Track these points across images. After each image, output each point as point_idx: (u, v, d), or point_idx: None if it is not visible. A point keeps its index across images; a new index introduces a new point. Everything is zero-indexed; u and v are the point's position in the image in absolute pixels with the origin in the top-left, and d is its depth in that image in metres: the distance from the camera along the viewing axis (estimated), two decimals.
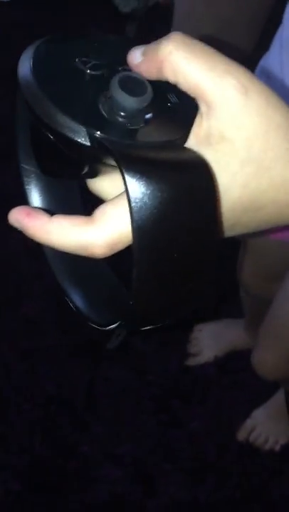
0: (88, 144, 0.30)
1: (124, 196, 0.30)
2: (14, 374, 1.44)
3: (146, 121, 0.32)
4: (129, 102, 0.31)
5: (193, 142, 0.32)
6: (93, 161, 0.33)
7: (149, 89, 0.32)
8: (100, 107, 0.31)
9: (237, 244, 1.14)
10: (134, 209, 0.29)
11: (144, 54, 0.32)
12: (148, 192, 0.29)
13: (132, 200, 0.29)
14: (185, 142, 0.33)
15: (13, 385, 1.42)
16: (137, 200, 0.29)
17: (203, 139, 0.32)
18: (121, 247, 0.31)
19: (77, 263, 0.39)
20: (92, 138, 0.30)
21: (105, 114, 0.31)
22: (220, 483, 1.32)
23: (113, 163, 0.30)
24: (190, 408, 1.41)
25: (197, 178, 0.30)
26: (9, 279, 1.59)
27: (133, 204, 0.29)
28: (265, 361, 1.00)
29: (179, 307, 0.34)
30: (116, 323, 0.34)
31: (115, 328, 0.34)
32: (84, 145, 0.30)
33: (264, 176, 0.32)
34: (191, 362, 1.47)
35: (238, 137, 0.31)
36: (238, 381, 1.45)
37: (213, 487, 1.31)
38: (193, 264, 0.32)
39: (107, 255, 0.31)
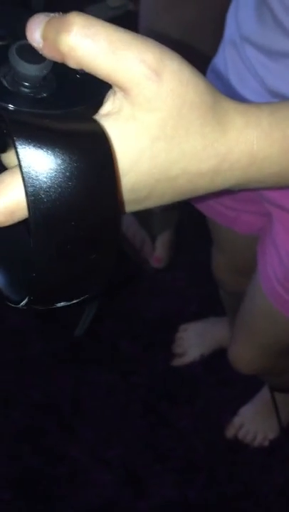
0: None
1: (13, 170, 0.30)
2: (0, 384, 1.44)
3: (51, 91, 0.32)
4: (27, 69, 0.31)
5: (103, 115, 0.32)
6: None
7: None
8: (2, 77, 0.31)
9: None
10: (26, 175, 0.29)
11: (44, 38, 0.31)
12: (39, 158, 0.29)
13: (23, 166, 0.28)
14: (93, 114, 0.32)
15: (0, 395, 1.42)
16: (28, 167, 0.28)
17: (113, 114, 0.32)
18: (21, 215, 0.30)
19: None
20: None
21: (7, 85, 0.31)
22: (210, 481, 1.32)
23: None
24: (178, 408, 1.41)
25: (95, 147, 0.30)
26: None
27: (24, 170, 0.29)
28: (240, 355, 1.00)
29: (83, 281, 0.33)
30: (24, 299, 0.33)
31: (26, 305, 0.34)
32: None
33: (175, 149, 0.32)
34: (177, 362, 1.47)
35: (149, 119, 0.32)
36: (225, 379, 1.45)
37: (203, 485, 1.31)
38: (92, 234, 0.31)
39: (8, 223, 0.31)
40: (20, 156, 0.28)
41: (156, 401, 1.42)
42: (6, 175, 0.31)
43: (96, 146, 0.30)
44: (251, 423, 1.36)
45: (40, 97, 0.31)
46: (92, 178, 0.30)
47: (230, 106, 0.34)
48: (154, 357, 1.49)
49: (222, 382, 1.45)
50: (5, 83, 0.31)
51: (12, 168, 0.31)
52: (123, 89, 0.31)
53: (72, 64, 0.31)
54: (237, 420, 1.37)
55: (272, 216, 0.83)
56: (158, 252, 1.60)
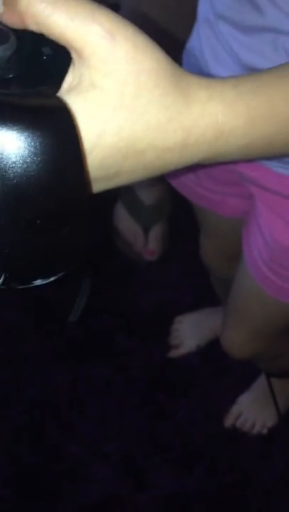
0: None
1: None
2: None
3: (17, 72, 0.32)
4: None
5: (64, 91, 0.32)
6: None
7: (12, 37, 0.32)
8: None
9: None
10: None
11: (4, 3, 0.32)
12: (3, 135, 0.29)
13: None
14: (56, 92, 0.33)
15: None
16: None
17: (74, 87, 0.32)
18: None
19: None
20: None
21: None
22: (210, 471, 1.31)
23: None
24: (175, 399, 1.41)
25: (58, 122, 0.30)
26: None
27: None
28: (232, 339, 1.00)
29: (57, 256, 0.33)
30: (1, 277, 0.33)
31: (3, 284, 0.33)
32: None
33: (138, 121, 0.32)
34: (174, 354, 1.47)
35: (108, 84, 0.31)
36: (222, 368, 1.44)
37: (203, 475, 1.31)
38: (62, 209, 0.31)
39: None
40: None
41: (154, 393, 1.42)
42: None
43: (59, 121, 0.30)
44: (249, 411, 1.36)
45: (5, 78, 0.32)
46: (58, 154, 0.30)
47: (192, 80, 0.34)
48: (150, 349, 1.48)
49: (219, 371, 1.44)
50: None
51: None
52: (78, 51, 0.32)
53: (30, 24, 0.32)
54: (235, 409, 1.37)
55: (254, 197, 0.83)
56: (151, 244, 1.60)
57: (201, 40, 0.73)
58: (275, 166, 0.72)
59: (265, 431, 1.35)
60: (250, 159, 0.39)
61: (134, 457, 1.34)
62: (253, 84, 0.36)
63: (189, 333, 1.48)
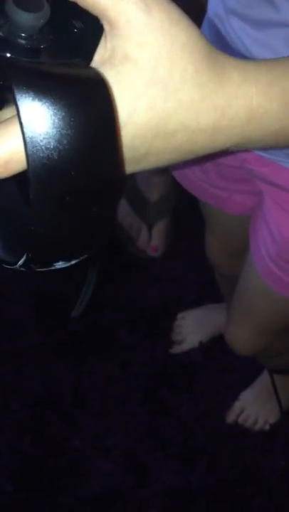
0: None
1: (16, 116, 0.29)
2: (0, 376, 1.44)
3: (48, 43, 0.31)
4: (24, 18, 0.30)
5: (97, 63, 0.31)
6: None
7: (46, 6, 0.31)
8: None
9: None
10: (25, 123, 0.28)
11: None
12: (39, 105, 0.28)
13: (22, 112, 0.28)
14: (89, 64, 0.32)
15: (0, 387, 1.42)
16: (27, 114, 0.28)
17: (107, 60, 0.31)
18: (14, 167, 0.30)
19: None
20: None
21: (4, 36, 0.30)
22: (212, 466, 1.32)
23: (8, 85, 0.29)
24: (178, 395, 1.41)
25: (94, 94, 0.29)
26: None
27: (23, 117, 0.28)
28: (237, 336, 1.00)
29: (83, 237, 0.32)
30: (22, 257, 0.32)
31: (24, 265, 0.33)
32: None
33: (171, 98, 0.31)
34: (176, 350, 1.47)
35: (141, 57, 0.30)
36: (224, 365, 1.45)
37: (205, 471, 1.31)
38: (93, 186, 0.30)
39: (1, 175, 0.30)
40: (18, 103, 0.28)
41: (156, 388, 1.42)
42: (1, 125, 0.30)
43: (96, 93, 0.29)
44: (252, 407, 1.36)
45: (37, 48, 0.31)
46: (93, 126, 0.29)
47: (227, 60, 0.33)
48: (153, 345, 1.48)
49: (221, 368, 1.44)
50: (1, 34, 0.30)
51: (4, 120, 0.30)
52: (111, 21, 0.31)
53: None
54: (237, 405, 1.37)
55: (262, 194, 0.83)
56: (155, 240, 1.60)
57: (211, 36, 0.73)
58: (287, 163, 0.72)
59: (267, 427, 1.35)
60: (279, 146, 0.37)
61: (136, 452, 1.34)
62: (288, 67, 0.35)
63: (192, 329, 1.48)
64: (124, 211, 1.60)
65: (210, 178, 0.90)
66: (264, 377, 1.35)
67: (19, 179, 0.31)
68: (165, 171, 1.48)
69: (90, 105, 0.29)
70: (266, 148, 0.37)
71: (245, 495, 1.29)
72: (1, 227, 0.36)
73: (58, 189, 0.29)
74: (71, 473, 1.32)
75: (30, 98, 0.28)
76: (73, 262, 0.34)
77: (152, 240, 1.60)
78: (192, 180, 0.93)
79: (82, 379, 1.43)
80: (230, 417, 1.37)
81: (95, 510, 1.28)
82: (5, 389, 1.42)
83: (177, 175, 0.96)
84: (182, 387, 1.42)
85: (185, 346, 1.47)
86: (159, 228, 1.60)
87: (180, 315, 1.51)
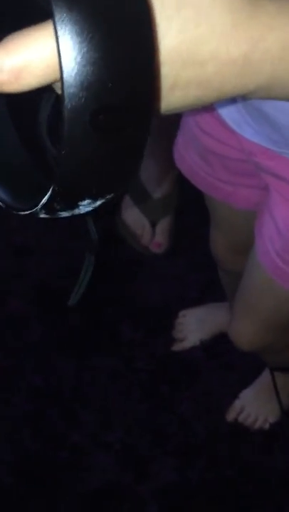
0: None
1: (38, 25, 0.27)
2: (1, 370, 1.44)
3: None
4: None
5: None
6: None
7: None
8: None
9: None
10: (59, 25, 0.26)
11: None
12: (74, 9, 0.26)
13: (57, 16, 0.26)
14: None
15: (0, 380, 1.42)
16: (61, 17, 0.26)
17: None
18: (28, 78, 0.27)
19: None
20: None
21: None
22: (211, 464, 1.31)
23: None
24: (178, 392, 1.41)
25: (134, 2, 0.27)
26: None
27: (57, 22, 0.26)
28: (241, 331, 1.00)
29: (113, 168, 0.30)
30: (47, 192, 0.30)
31: (46, 204, 0.30)
32: None
33: (203, 22, 0.29)
34: (177, 347, 1.47)
35: None
36: (225, 363, 1.45)
37: (204, 469, 1.31)
38: (128, 103, 0.28)
39: (12, 86, 0.27)
40: (53, 3, 0.26)
41: (157, 385, 1.42)
42: (16, 35, 0.27)
43: (135, 2, 0.27)
44: (252, 406, 1.36)
45: None
46: (132, 35, 0.27)
47: None
48: (154, 342, 1.48)
49: (222, 366, 1.44)
50: None
51: (22, 31, 0.28)
52: None
53: None
54: (238, 403, 1.37)
55: (269, 188, 0.83)
56: (158, 237, 1.60)
57: None
58: None
59: (267, 426, 1.35)
60: None
61: (136, 448, 1.34)
62: None
63: (193, 327, 1.48)
64: (128, 207, 1.60)
65: (216, 171, 0.90)
66: (265, 376, 1.35)
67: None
68: (169, 168, 1.48)
69: (130, 14, 0.27)
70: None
71: (244, 493, 1.29)
72: (8, 181, 0.34)
73: (93, 103, 0.27)
74: (70, 468, 1.32)
75: (66, 1, 0.26)
76: (98, 203, 0.31)
77: (156, 237, 1.60)
78: (198, 174, 0.93)
79: (83, 374, 1.43)
80: (231, 416, 1.37)
81: (93, 504, 1.28)
82: (6, 383, 1.42)
83: (183, 168, 0.96)
84: (183, 384, 1.42)
85: (186, 344, 1.47)
86: (163, 225, 1.60)
87: (182, 313, 1.51)
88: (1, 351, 1.46)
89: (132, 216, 1.60)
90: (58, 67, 0.27)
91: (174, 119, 0.95)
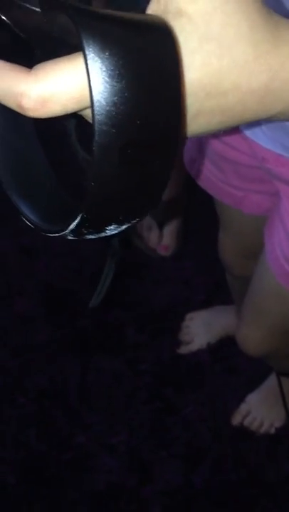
0: (38, 9, 0.29)
1: (68, 56, 0.28)
2: (7, 370, 1.44)
3: None
4: None
5: None
6: (44, 36, 0.31)
7: None
8: None
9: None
10: (90, 60, 0.26)
11: None
12: (104, 42, 0.27)
13: (88, 55, 0.26)
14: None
15: (6, 381, 1.42)
16: (94, 56, 0.26)
17: (160, 15, 0.30)
18: (54, 107, 0.28)
19: (20, 168, 0.36)
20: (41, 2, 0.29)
21: None
22: (215, 468, 1.31)
23: (66, 36, 0.28)
24: (184, 395, 1.41)
25: (163, 42, 0.28)
26: (0, 277, 1.59)
27: (89, 60, 0.26)
28: (248, 337, 1.00)
29: (139, 196, 0.31)
30: (76, 218, 0.30)
31: (76, 229, 0.31)
32: (34, 11, 0.29)
33: (226, 55, 0.30)
34: (184, 350, 1.47)
35: (195, 12, 0.30)
36: (232, 367, 1.44)
37: (208, 472, 1.31)
38: (155, 138, 0.29)
39: (37, 113, 0.28)
40: (85, 44, 0.26)
41: (163, 388, 1.42)
42: (48, 63, 0.28)
43: (164, 41, 0.28)
44: (258, 410, 1.36)
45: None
46: (160, 75, 0.28)
47: (281, 19, 0.32)
48: (160, 345, 1.48)
49: (228, 369, 1.44)
50: None
51: (55, 60, 0.29)
52: None
53: None
54: (243, 407, 1.37)
55: (280, 194, 0.83)
56: (165, 240, 1.60)
57: None
58: None
59: (272, 431, 1.35)
60: None
61: (140, 450, 1.34)
62: None
63: (200, 330, 1.48)
64: None
65: (227, 177, 0.90)
66: (271, 381, 1.35)
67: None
68: (178, 171, 1.48)
69: (158, 53, 0.28)
70: None
71: (248, 497, 1.29)
72: (37, 201, 0.35)
73: (122, 139, 0.28)
74: (75, 469, 1.32)
75: (96, 37, 0.27)
76: (124, 228, 0.32)
77: (163, 239, 1.60)
78: (210, 179, 0.93)
79: (89, 376, 1.43)
80: (236, 419, 1.37)
81: (96, 506, 1.28)
82: (12, 383, 1.42)
83: (193, 172, 0.96)
84: (188, 387, 1.42)
85: (193, 347, 1.47)
86: (171, 228, 1.60)
87: (188, 315, 1.51)
88: (7, 351, 1.47)
89: None
90: (84, 98, 0.28)
91: None
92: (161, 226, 1.61)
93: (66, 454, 1.33)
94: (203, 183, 0.95)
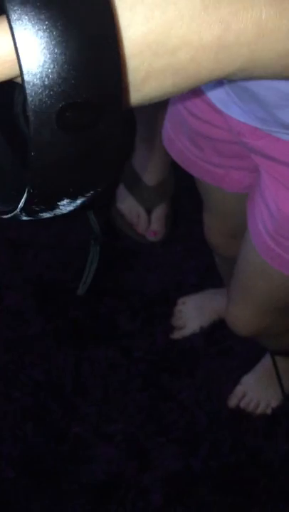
0: None
1: None
2: (1, 365, 1.43)
3: None
4: None
5: None
6: None
7: None
8: None
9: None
10: (15, 26, 0.25)
11: None
12: (31, 5, 0.25)
13: (12, 15, 0.25)
14: None
15: (1, 375, 1.41)
16: (18, 16, 0.25)
17: None
18: None
19: None
20: None
21: None
22: (214, 451, 1.31)
23: None
24: (179, 380, 1.40)
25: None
26: None
27: (13, 18, 0.25)
28: (237, 316, 0.99)
29: (88, 165, 0.29)
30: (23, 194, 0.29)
31: (24, 207, 0.29)
32: None
33: (170, 8, 0.27)
34: (177, 335, 1.46)
35: None
36: (226, 349, 1.44)
37: (207, 455, 1.30)
38: (95, 99, 0.27)
39: None
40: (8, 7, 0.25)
41: (157, 374, 1.41)
42: None
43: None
44: (253, 391, 1.35)
45: None
46: (92, 28, 0.26)
47: None
48: (153, 331, 1.47)
49: (223, 352, 1.44)
50: None
51: None
52: None
53: None
54: (239, 389, 1.36)
55: (259, 169, 0.82)
56: (154, 225, 1.59)
57: None
58: (284, 134, 0.70)
59: (269, 411, 1.34)
60: (286, 76, 0.33)
61: (138, 438, 1.33)
62: None
63: (193, 314, 1.47)
64: (123, 196, 1.59)
65: (206, 154, 0.88)
66: (266, 361, 1.34)
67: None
68: (163, 155, 1.46)
69: (90, 5, 0.26)
70: (272, 78, 0.33)
71: (247, 479, 1.28)
72: None
73: (57, 101, 0.26)
74: (73, 460, 1.31)
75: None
76: (79, 202, 0.31)
77: (151, 224, 1.59)
78: (189, 158, 0.91)
79: (83, 366, 1.42)
80: (232, 402, 1.36)
81: (97, 496, 1.27)
82: (6, 377, 1.41)
83: (173, 153, 0.94)
84: (183, 372, 1.41)
85: (186, 331, 1.46)
86: (158, 213, 1.59)
87: (180, 300, 1.50)
88: (0, 345, 1.45)
89: (127, 205, 1.59)
90: (15, 63, 0.26)
91: (161, 104, 0.94)
92: (149, 212, 1.60)
93: (64, 446, 1.33)
94: (183, 163, 0.94)
